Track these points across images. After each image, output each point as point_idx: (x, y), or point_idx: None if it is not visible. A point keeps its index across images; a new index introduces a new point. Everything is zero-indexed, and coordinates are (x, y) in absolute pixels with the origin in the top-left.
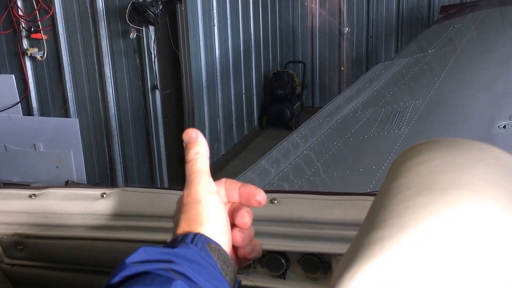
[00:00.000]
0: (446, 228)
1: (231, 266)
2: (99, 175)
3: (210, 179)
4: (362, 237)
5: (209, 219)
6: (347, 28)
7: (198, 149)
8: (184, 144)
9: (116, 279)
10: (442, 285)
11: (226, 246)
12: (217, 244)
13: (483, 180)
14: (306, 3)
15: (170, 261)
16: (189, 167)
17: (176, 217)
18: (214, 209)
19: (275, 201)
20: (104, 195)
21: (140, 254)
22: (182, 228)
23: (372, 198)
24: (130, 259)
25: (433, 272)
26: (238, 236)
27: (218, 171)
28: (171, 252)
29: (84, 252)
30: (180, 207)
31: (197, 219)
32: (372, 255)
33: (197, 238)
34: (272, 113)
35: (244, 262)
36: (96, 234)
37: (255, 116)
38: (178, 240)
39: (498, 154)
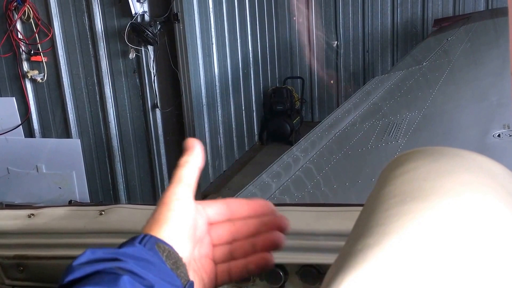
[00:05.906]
0: (426, 235)
1: (182, 268)
2: (102, 195)
3: (187, 188)
4: (349, 246)
5: (169, 222)
6: (335, 42)
7: (189, 158)
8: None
9: (64, 282)
10: None
11: (186, 252)
12: (169, 245)
13: (466, 187)
14: (300, 19)
15: (116, 259)
16: (174, 172)
17: None
18: (178, 213)
19: None
20: (103, 213)
21: (87, 256)
22: (144, 229)
23: None
24: (76, 262)
25: (415, 279)
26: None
27: (220, 187)
28: (116, 251)
29: None
30: None
31: (158, 221)
32: (357, 264)
33: (146, 239)
34: (272, 129)
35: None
36: None
37: (256, 132)
38: (126, 242)
39: (482, 161)
